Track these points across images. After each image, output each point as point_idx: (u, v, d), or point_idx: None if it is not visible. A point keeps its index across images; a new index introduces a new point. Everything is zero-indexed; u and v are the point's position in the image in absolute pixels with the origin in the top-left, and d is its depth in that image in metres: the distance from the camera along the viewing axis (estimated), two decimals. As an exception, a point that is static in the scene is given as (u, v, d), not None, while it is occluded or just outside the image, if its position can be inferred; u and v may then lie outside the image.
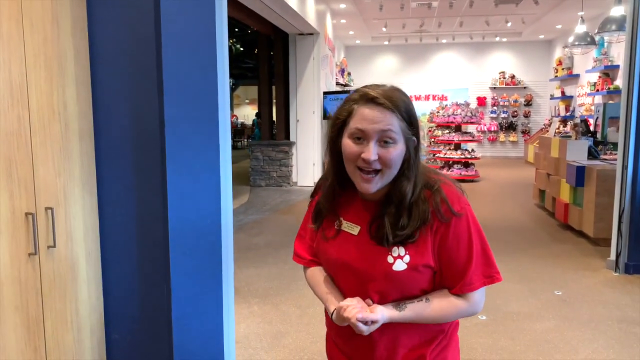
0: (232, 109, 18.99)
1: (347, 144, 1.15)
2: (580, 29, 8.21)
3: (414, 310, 1.17)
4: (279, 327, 3.44)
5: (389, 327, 1.18)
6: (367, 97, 1.15)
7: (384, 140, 1.12)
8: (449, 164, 10.63)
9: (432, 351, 1.24)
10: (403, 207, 1.15)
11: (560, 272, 4.56)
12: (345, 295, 1.24)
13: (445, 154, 10.70)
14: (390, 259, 1.16)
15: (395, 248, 1.15)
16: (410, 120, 1.16)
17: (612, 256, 4.57)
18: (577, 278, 4.41)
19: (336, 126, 1.19)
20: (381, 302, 1.18)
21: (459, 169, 10.42)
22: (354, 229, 1.22)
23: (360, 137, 1.13)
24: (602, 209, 5.17)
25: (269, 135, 10.04)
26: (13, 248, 1.55)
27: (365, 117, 1.13)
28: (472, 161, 10.63)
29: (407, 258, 1.15)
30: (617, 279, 4.37)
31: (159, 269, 1.95)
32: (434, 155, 11.82)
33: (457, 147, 10.76)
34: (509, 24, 11.50)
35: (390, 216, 1.15)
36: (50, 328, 1.71)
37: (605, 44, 9.55)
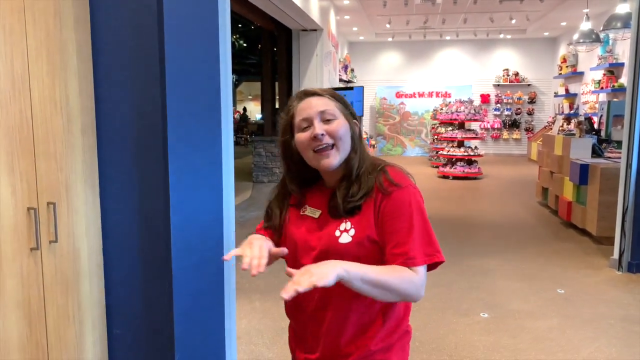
0: (235, 105, 18.98)
1: (298, 136, 1.28)
2: (585, 26, 8.16)
3: (366, 265, 1.16)
4: (280, 323, 3.44)
5: (337, 311, 1.24)
6: (301, 94, 1.31)
7: (327, 118, 1.25)
8: (452, 161, 10.61)
9: (376, 344, 1.26)
10: (352, 180, 1.26)
11: (563, 271, 4.55)
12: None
13: (448, 151, 10.68)
14: (337, 233, 1.23)
15: (343, 223, 1.24)
16: (345, 104, 1.31)
17: (615, 255, 4.55)
18: (580, 276, 4.40)
19: (286, 130, 1.32)
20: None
21: (462, 166, 10.40)
22: (316, 213, 1.32)
23: (307, 126, 1.26)
24: (605, 207, 5.15)
25: (272, 131, 10.03)
26: (15, 243, 1.55)
27: (305, 107, 1.27)
28: (475, 158, 10.61)
29: (352, 232, 1.22)
30: (620, 278, 4.35)
31: (161, 265, 1.95)
32: (437, 152, 11.80)
33: (460, 144, 10.74)
34: (514, 21, 11.45)
35: (342, 188, 1.26)
36: (52, 323, 1.71)
37: (610, 42, 9.49)
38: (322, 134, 1.23)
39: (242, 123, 20.14)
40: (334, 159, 1.25)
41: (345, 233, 1.23)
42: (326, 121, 1.25)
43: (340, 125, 1.26)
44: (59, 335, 1.74)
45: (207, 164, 2.05)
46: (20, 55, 1.55)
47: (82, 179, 1.83)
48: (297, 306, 1.34)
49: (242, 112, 21.43)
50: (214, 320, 2.15)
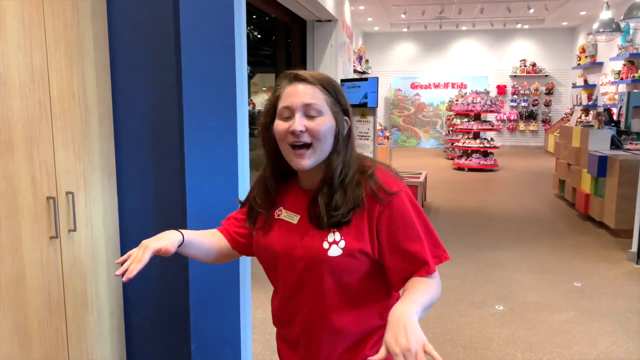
0: (249, 96, 19.00)
1: (277, 124, 1.17)
2: (605, 15, 8.00)
3: (417, 295, 1.07)
4: (295, 313, 3.46)
5: (332, 320, 1.17)
6: (291, 76, 1.18)
7: (310, 113, 1.14)
8: (467, 153, 10.52)
9: (371, 348, 1.20)
10: (335, 186, 1.14)
11: (580, 264, 4.50)
12: (280, 287, 1.24)
13: (463, 143, 10.60)
14: (325, 245, 1.14)
15: (331, 234, 1.14)
16: (337, 97, 1.18)
17: (634, 248, 4.49)
18: (597, 270, 4.35)
19: (269, 112, 1.21)
20: (319, 291, 1.15)
21: (478, 158, 10.31)
22: (294, 218, 1.21)
23: (288, 115, 1.15)
24: (624, 199, 5.07)
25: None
26: (35, 231, 1.57)
27: (290, 93, 1.15)
28: (491, 150, 10.51)
29: (342, 243, 1.13)
30: (638, 271, 4.29)
31: (177, 254, 1.97)
32: (452, 144, 11.71)
33: (476, 136, 10.64)
34: (531, 11, 11.27)
35: (324, 196, 1.15)
36: (71, 310, 1.74)
37: (631, 31, 9.30)
38: (301, 131, 1.12)
39: None
40: (308, 161, 1.14)
41: (335, 245, 1.13)
42: (309, 117, 1.13)
43: (323, 123, 1.13)
44: (78, 322, 1.78)
45: (223, 155, 2.06)
46: (39, 48, 1.57)
47: (99, 169, 1.85)
48: (285, 312, 1.27)
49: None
50: (229, 310, 2.17)
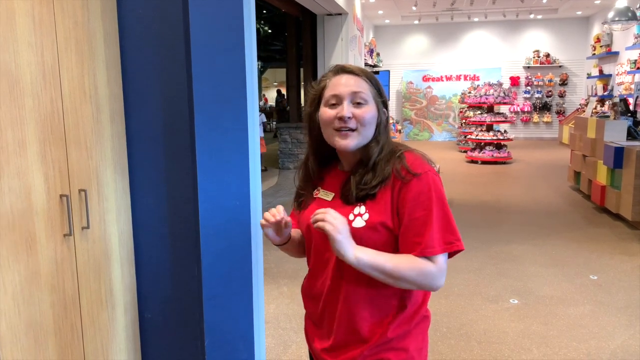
0: (260, 91, 18.98)
1: (324, 111, 1.25)
2: (621, 3, 7.86)
3: (381, 253, 1.18)
4: (308, 308, 3.46)
5: (349, 296, 1.24)
6: (337, 68, 1.28)
7: (357, 101, 1.23)
8: (480, 145, 10.43)
9: (394, 330, 1.24)
10: (368, 168, 1.24)
11: (596, 257, 4.45)
12: (311, 260, 1.36)
13: (477, 136, 10.50)
14: (351, 217, 1.22)
15: (357, 207, 1.22)
16: (379, 89, 1.27)
17: (651, 240, 4.42)
18: (614, 262, 4.29)
19: (314, 102, 1.30)
20: (340, 263, 1.23)
21: (491, 150, 10.22)
22: (329, 196, 1.31)
23: (335, 103, 1.23)
24: (641, 191, 4.99)
25: (297, 117, 10.02)
26: (49, 229, 1.59)
27: (338, 83, 1.24)
28: (505, 142, 10.41)
29: (366, 216, 1.20)
30: (656, 264, 4.23)
31: (190, 250, 1.98)
32: (465, 136, 11.61)
33: (489, 128, 10.54)
34: (545, 0, 11.10)
35: (357, 176, 1.24)
36: (86, 307, 1.76)
37: (648, 19, 9.12)
38: (349, 117, 1.21)
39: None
40: (352, 142, 1.22)
41: (359, 217, 1.21)
42: (356, 104, 1.22)
43: (368, 111, 1.23)
44: (93, 319, 1.79)
45: (234, 151, 2.05)
46: (50, 46, 1.58)
47: (111, 166, 1.86)
48: (312, 290, 1.35)
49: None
50: (242, 305, 2.18)
